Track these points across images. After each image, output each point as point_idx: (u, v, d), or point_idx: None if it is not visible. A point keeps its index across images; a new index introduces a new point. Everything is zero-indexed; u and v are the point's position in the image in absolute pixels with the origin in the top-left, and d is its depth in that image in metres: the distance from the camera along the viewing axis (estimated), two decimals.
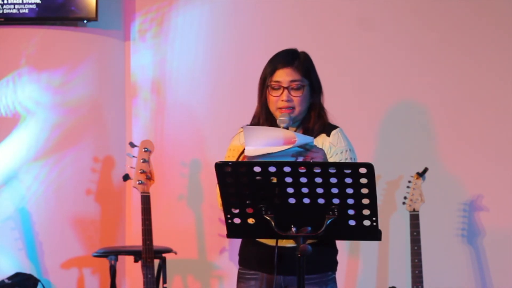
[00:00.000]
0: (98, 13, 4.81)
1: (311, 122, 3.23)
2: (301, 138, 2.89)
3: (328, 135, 3.23)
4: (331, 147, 3.19)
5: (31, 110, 4.87)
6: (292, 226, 2.79)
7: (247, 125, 3.27)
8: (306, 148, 2.90)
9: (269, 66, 3.24)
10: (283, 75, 3.20)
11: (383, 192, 4.77)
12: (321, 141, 3.20)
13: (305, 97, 3.21)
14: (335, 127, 3.27)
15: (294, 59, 3.23)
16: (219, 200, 3.07)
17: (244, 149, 2.94)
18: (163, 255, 4.52)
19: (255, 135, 2.88)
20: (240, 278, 3.30)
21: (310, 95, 3.24)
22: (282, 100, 3.18)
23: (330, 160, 3.16)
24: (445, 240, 4.76)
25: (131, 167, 4.41)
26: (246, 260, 3.30)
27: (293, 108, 3.19)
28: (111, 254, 4.48)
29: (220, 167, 2.78)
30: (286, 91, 3.19)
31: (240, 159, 3.09)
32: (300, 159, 2.90)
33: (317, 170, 2.70)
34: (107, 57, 5.05)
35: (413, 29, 4.85)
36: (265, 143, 2.87)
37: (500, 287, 4.70)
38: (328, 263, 3.25)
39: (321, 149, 2.96)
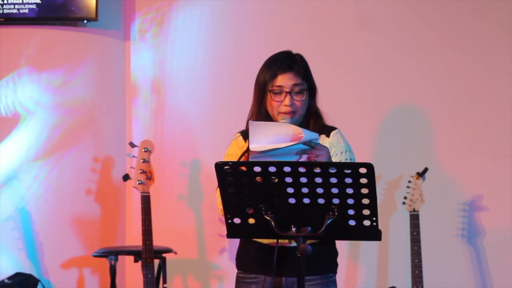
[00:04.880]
0: (98, 13, 4.81)
1: (310, 125, 3.22)
2: (307, 134, 2.89)
3: (328, 135, 3.23)
4: (331, 147, 3.19)
5: (31, 110, 4.87)
6: (292, 226, 2.79)
7: (243, 130, 3.28)
8: (311, 146, 2.90)
9: (268, 71, 3.20)
10: (285, 80, 3.17)
11: (383, 192, 4.77)
12: (320, 142, 3.19)
13: (306, 101, 3.21)
14: (333, 128, 3.27)
15: (293, 63, 3.21)
16: (219, 206, 3.01)
17: (247, 148, 2.93)
18: (163, 255, 4.52)
19: (261, 131, 2.88)
20: (240, 282, 3.26)
21: (309, 97, 3.24)
22: (285, 105, 3.16)
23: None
24: (445, 240, 4.76)
25: (131, 167, 4.41)
26: (246, 263, 3.26)
27: (295, 112, 3.18)
28: (111, 254, 4.48)
29: (220, 167, 2.77)
30: (288, 95, 3.17)
31: (243, 159, 3.08)
32: (305, 157, 2.90)
33: (317, 170, 2.71)
34: (107, 57, 5.05)
35: (413, 29, 4.85)
36: (271, 139, 2.87)
37: (500, 287, 4.70)
38: (329, 264, 3.24)
39: (325, 147, 2.95)
